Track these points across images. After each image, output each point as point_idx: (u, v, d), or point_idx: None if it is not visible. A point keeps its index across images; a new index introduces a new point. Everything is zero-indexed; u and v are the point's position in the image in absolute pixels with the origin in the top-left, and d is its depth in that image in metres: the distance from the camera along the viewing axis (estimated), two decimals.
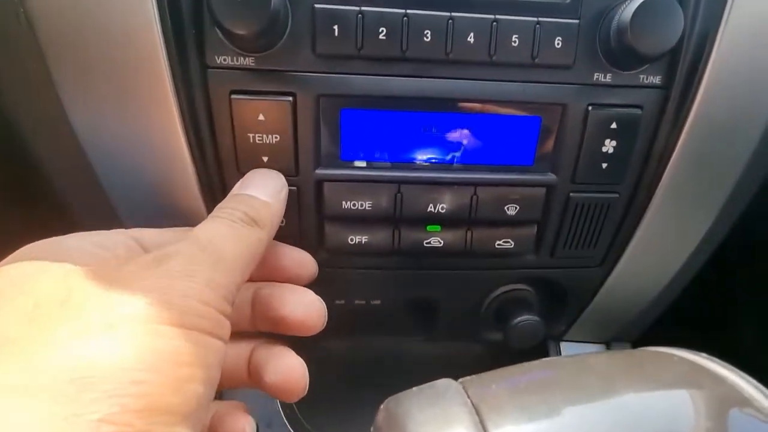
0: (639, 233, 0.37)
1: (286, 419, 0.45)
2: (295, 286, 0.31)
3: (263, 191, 0.29)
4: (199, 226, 0.25)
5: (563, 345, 0.48)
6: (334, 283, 0.37)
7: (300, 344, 0.31)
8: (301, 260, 0.33)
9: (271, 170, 0.32)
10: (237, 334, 0.28)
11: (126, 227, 0.28)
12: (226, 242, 0.24)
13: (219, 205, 0.28)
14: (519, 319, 0.40)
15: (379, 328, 0.45)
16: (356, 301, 0.41)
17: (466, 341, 0.48)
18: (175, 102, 0.29)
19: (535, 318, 0.40)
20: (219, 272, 0.22)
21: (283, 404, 0.46)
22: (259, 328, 0.31)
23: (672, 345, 0.22)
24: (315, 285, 0.33)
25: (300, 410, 0.46)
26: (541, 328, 0.41)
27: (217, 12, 0.27)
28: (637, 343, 0.51)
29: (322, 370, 0.50)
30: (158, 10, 0.27)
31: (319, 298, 0.30)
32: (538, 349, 0.46)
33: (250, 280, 0.31)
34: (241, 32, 0.27)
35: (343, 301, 0.40)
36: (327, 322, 0.31)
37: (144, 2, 0.27)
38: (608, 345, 0.50)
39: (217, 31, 0.29)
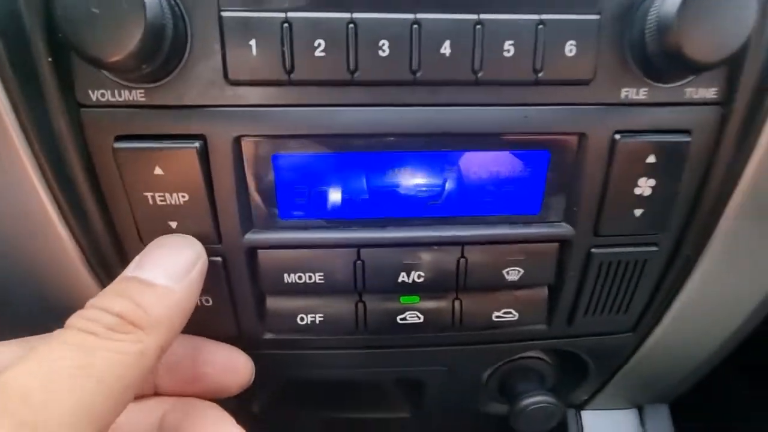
0: (684, 294, 0.28)
1: None
2: (217, 410, 0.23)
3: (160, 271, 0.21)
4: (21, 359, 0.16)
5: (585, 415, 0.39)
6: (285, 366, 0.29)
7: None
8: (230, 363, 0.25)
9: (183, 236, 0.23)
10: None
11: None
12: (55, 391, 0.15)
13: (88, 303, 0.19)
14: (529, 399, 0.32)
15: (354, 406, 0.37)
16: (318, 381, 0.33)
17: (464, 416, 0.39)
18: (29, 158, 0.21)
19: (550, 400, 0.31)
20: None
21: None
22: None
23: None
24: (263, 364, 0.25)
25: None
26: (558, 412, 0.32)
27: (68, 32, 0.18)
28: (675, 405, 0.42)
29: None
30: None
31: None
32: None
33: (158, 393, 0.23)
34: (108, 59, 0.19)
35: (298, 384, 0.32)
36: (292, 398, 0.23)
37: None
38: (641, 410, 0.40)
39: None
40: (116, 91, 0.21)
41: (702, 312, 0.30)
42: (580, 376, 0.34)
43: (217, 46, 0.21)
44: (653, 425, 0.39)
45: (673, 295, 0.29)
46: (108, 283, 0.22)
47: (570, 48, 0.22)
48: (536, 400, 0.31)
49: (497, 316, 0.27)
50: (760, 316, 0.32)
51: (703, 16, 0.20)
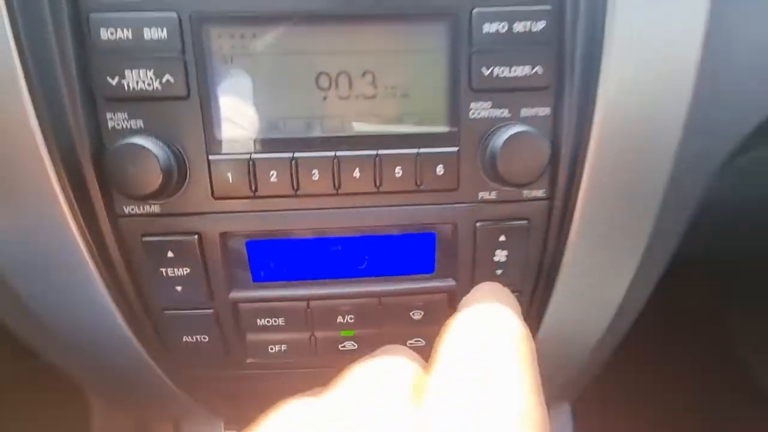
0: (542, 329, 0.39)
1: None
2: None
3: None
4: None
5: None
6: (265, 379, 0.40)
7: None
8: None
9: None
10: None
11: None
12: None
13: None
14: None
15: None
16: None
17: None
18: (87, 252, 0.32)
19: None
20: None
21: None
22: None
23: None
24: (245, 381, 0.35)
25: None
26: None
27: (114, 181, 0.30)
28: (578, 402, 0.53)
29: None
30: (57, 177, 0.30)
31: None
32: None
33: None
34: (139, 195, 0.30)
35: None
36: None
37: (46, 175, 0.30)
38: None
39: None
40: (141, 206, 0.33)
41: (560, 340, 0.41)
42: None
43: (207, 177, 0.32)
44: (555, 423, 0.49)
45: (540, 318, 0.39)
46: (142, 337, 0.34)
47: (439, 169, 0.33)
48: None
49: (410, 343, 0.39)
50: (626, 320, 0.42)
51: (516, 154, 0.31)
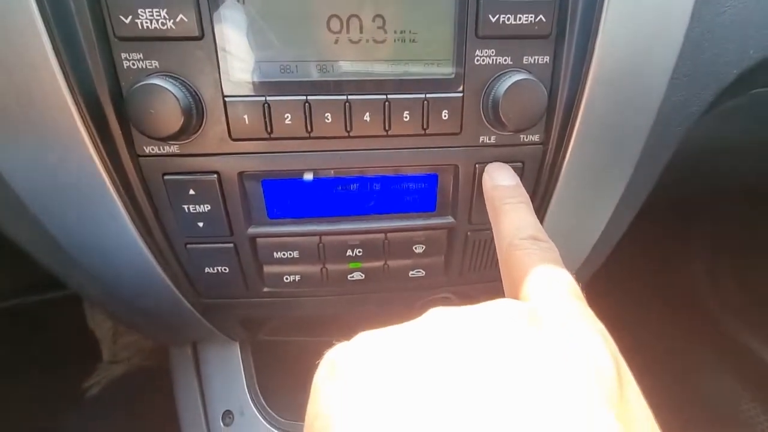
0: None
1: (255, 407, 0.55)
2: None
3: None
4: None
5: None
6: (278, 307, 0.45)
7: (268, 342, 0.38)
8: None
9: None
10: None
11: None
12: None
13: None
14: None
15: (332, 329, 0.53)
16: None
17: None
18: (113, 189, 0.34)
19: None
20: None
21: (251, 394, 0.56)
22: None
23: None
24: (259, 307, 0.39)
25: (266, 399, 0.56)
26: None
27: (135, 122, 0.31)
28: None
29: (286, 365, 0.59)
30: (80, 117, 0.31)
31: None
32: None
33: None
34: (160, 136, 0.31)
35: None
36: (291, 327, 0.37)
37: (70, 116, 0.31)
38: None
39: None
40: (161, 147, 0.34)
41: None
42: None
43: (223, 119, 0.34)
44: None
45: None
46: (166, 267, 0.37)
47: (444, 114, 0.35)
48: None
49: (411, 274, 0.43)
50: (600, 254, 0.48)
51: (516, 102, 0.33)
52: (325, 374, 0.20)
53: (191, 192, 0.36)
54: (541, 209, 0.40)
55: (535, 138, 0.37)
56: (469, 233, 0.41)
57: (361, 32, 0.33)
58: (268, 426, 0.55)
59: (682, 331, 1.02)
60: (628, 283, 1.03)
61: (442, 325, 0.20)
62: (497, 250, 0.31)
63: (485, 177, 0.36)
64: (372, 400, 0.17)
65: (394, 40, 0.33)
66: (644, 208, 0.45)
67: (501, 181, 0.35)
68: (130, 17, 0.30)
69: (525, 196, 0.34)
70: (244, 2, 0.31)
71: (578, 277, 0.48)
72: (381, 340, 0.20)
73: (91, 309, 1.05)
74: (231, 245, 0.39)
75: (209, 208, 0.37)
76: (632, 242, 0.51)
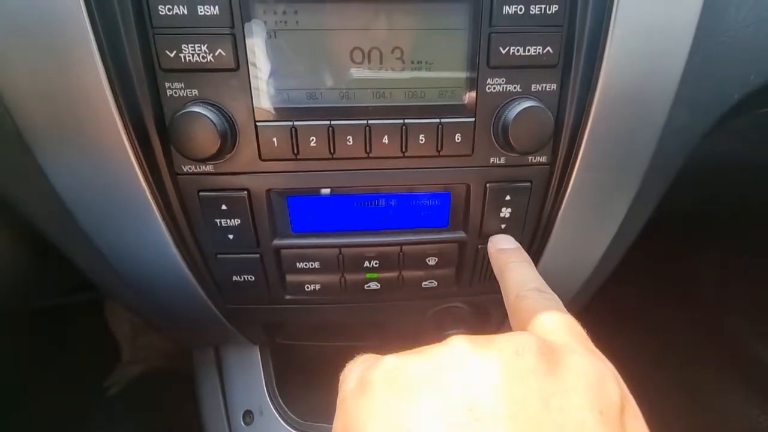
0: (543, 258, 0.46)
1: (273, 407, 0.57)
2: None
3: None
4: None
5: None
6: (299, 314, 0.48)
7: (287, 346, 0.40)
8: None
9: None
10: None
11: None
12: None
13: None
14: (451, 332, 0.51)
15: (346, 335, 0.56)
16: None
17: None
18: (154, 204, 0.37)
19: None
20: None
21: (270, 394, 0.59)
22: None
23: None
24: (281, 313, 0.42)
25: (284, 399, 0.59)
26: None
27: (178, 146, 0.34)
28: None
29: (304, 367, 0.62)
30: (128, 140, 0.34)
31: None
32: None
33: None
34: (198, 158, 0.35)
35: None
36: (309, 332, 0.40)
37: (119, 139, 0.34)
38: None
39: None
40: (197, 166, 0.38)
41: (554, 274, 0.48)
42: (486, 318, 0.54)
43: (254, 141, 0.37)
44: None
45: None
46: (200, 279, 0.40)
47: (457, 137, 0.38)
48: (456, 331, 0.50)
49: (424, 284, 0.45)
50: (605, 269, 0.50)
51: (525, 127, 0.36)
52: (355, 389, 0.23)
53: (223, 207, 0.39)
54: (547, 226, 0.43)
55: (543, 159, 0.39)
56: (479, 247, 0.43)
57: (381, 63, 0.36)
58: (285, 425, 0.58)
59: (691, 342, 1.02)
60: (632, 298, 1.04)
61: (465, 356, 0.22)
62: (505, 302, 0.34)
63: (490, 244, 0.41)
64: (398, 420, 0.20)
65: (412, 70, 0.36)
66: (652, 222, 0.47)
67: (504, 245, 0.39)
68: (174, 51, 0.34)
69: (526, 257, 0.38)
70: (275, 36, 0.35)
71: (583, 292, 0.51)
72: (408, 364, 0.23)
73: (111, 311, 1.09)
74: (257, 256, 0.42)
75: (239, 222, 0.40)
76: (638, 257, 0.53)
